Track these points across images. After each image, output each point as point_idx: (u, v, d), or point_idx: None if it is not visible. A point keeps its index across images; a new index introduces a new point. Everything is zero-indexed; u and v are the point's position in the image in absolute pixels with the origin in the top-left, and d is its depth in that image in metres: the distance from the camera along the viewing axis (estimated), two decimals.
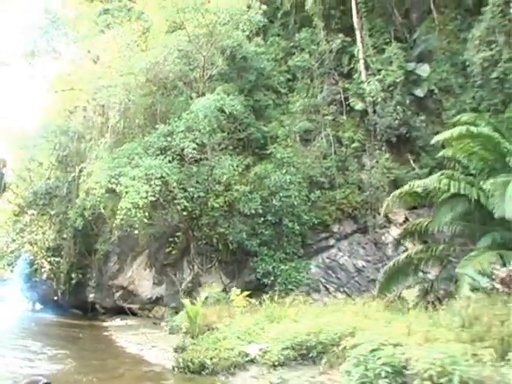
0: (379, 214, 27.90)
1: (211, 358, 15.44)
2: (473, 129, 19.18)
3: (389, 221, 29.69)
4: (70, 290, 35.86)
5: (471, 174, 20.46)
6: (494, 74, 26.34)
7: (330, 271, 29.88)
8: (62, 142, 30.47)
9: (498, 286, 13.75)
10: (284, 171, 27.14)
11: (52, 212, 35.03)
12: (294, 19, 36.65)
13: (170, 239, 28.88)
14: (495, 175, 18.47)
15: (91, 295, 35.45)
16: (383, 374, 10.17)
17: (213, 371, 15.17)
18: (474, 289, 15.03)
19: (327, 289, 29.63)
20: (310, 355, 13.65)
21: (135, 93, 26.84)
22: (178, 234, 28.80)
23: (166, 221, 28.37)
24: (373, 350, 10.88)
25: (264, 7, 30.61)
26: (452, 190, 18.77)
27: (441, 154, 21.78)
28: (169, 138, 25.11)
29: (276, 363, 13.77)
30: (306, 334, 13.96)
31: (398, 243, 25.10)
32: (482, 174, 19.68)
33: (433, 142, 21.35)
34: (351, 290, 28.78)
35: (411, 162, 30.10)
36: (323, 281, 29.75)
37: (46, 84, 31.31)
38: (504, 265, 15.35)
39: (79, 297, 36.60)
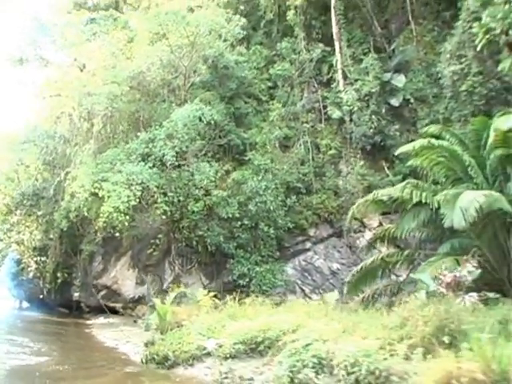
0: (355, 219, 29.06)
1: (174, 351, 17.29)
2: (433, 141, 20.48)
3: (363, 225, 30.92)
4: (55, 288, 36.89)
5: (438, 183, 21.59)
6: (463, 87, 27.41)
7: (306, 273, 31.11)
8: (49, 146, 31.36)
9: (443, 290, 15.00)
10: (260, 178, 28.33)
11: (39, 213, 35.87)
12: (277, 28, 37.80)
13: (152, 241, 30.05)
14: (459, 184, 19.73)
15: (76, 294, 36.46)
16: (310, 364, 12.18)
17: (174, 362, 17.05)
18: (428, 292, 16.28)
19: (303, 290, 30.88)
20: (258, 349, 15.31)
21: (119, 100, 27.84)
22: (160, 236, 29.98)
23: (147, 223, 29.39)
24: (307, 345, 12.83)
25: (243, 20, 31.68)
26: (414, 199, 19.88)
27: (409, 163, 22.85)
28: (150, 145, 26.22)
29: (228, 356, 15.48)
30: (257, 330, 15.67)
31: (369, 247, 25.98)
32: (446, 183, 20.83)
33: (396, 153, 22.57)
34: (326, 291, 29.87)
35: (386, 169, 31.19)
36: (299, 282, 31.00)
37: (34, 89, 32.13)
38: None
39: (65, 295, 37.65)
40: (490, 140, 19.17)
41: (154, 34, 28.45)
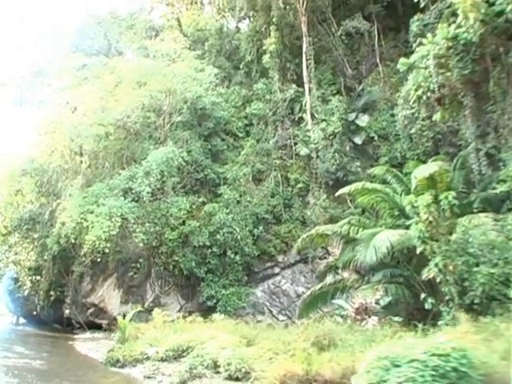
0: (322, 247, 32.27)
1: (124, 356, 22.87)
2: (368, 185, 23.87)
3: (328, 253, 33.94)
4: (48, 306, 40.13)
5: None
6: (413, 130, 30.67)
7: (274, 296, 34.36)
8: (44, 179, 34.82)
9: (352, 314, 18.27)
10: (228, 210, 31.81)
11: (35, 236, 39.17)
12: (256, 68, 41.33)
13: (134, 264, 33.37)
14: (397, 220, 22.81)
15: (67, 311, 39.56)
16: (205, 363, 17.81)
17: (123, 364, 22.68)
18: (342, 316, 19.52)
19: (271, 311, 34.14)
20: (182, 354, 20.58)
21: (105, 140, 31.30)
22: (141, 260, 33.28)
23: (130, 249, 32.66)
24: (208, 351, 18.12)
25: (216, 70, 35.26)
26: (351, 235, 23.10)
27: (358, 201, 25.90)
28: (130, 182, 29.64)
29: (161, 359, 20.96)
30: (185, 341, 20.97)
31: (324, 274, 28.58)
32: (385, 219, 23.94)
33: (336, 194, 25.91)
34: (292, 313, 33.14)
35: (348, 202, 34.22)
36: (268, 304, 34.25)
37: (31, 125, 35.55)
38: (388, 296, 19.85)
39: (57, 312, 40.81)
40: (413, 185, 22.36)
41: (137, 82, 31.87)
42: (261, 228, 33.35)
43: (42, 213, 38.17)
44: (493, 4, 20.48)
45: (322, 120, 35.97)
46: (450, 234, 15.70)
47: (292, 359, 13.82)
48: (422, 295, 16.39)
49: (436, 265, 15.09)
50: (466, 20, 21.11)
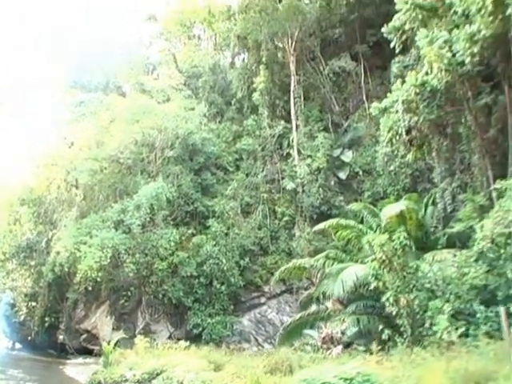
0: (307, 278, 33.62)
1: (105, 378, 24.52)
2: (342, 221, 25.49)
3: (312, 283, 35.11)
4: (43, 331, 41.31)
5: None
6: (392, 167, 32.27)
7: (260, 325, 35.71)
8: (40, 209, 36.45)
9: (319, 343, 19.67)
10: (215, 243, 33.32)
11: (32, 263, 40.56)
12: (247, 105, 43.13)
13: (125, 293, 34.69)
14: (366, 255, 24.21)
15: (61, 337, 40.80)
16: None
17: None
18: (310, 344, 20.90)
19: (257, 340, 35.47)
20: (155, 377, 22.11)
21: (99, 175, 32.98)
22: (132, 288, 34.61)
23: (122, 277, 34.07)
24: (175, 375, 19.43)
25: (205, 109, 37.14)
26: (326, 268, 24.54)
27: (337, 235, 27.35)
28: (122, 215, 31.23)
29: (137, 381, 22.59)
30: (160, 365, 22.48)
31: (306, 304, 29.89)
32: (356, 253, 25.34)
33: (314, 229, 27.43)
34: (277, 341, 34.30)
35: (332, 234, 35.63)
36: (254, 333, 35.60)
37: (31, 158, 37.19)
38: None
39: (51, 338, 42.02)
40: (383, 222, 23.89)
41: (130, 119, 33.64)
42: (247, 259, 34.87)
43: (39, 241, 39.53)
44: (455, 55, 22.14)
45: (308, 156, 37.67)
46: (403, 270, 17.05)
47: (244, 381, 15.29)
48: (380, 326, 17.73)
49: (387, 299, 16.51)
50: (431, 69, 22.88)
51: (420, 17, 26.83)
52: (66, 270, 31.82)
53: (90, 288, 34.14)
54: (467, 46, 21.21)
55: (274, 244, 36.70)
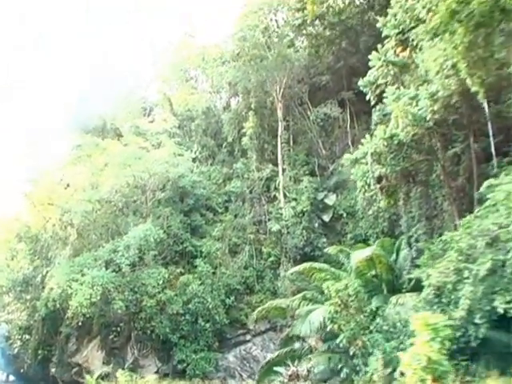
0: (291, 317, 35.02)
1: None
2: (315, 264, 27.22)
3: None
4: (36, 364, 42.61)
5: None
6: (370, 212, 33.88)
7: (245, 361, 37.08)
8: (37, 247, 38.21)
9: (286, 381, 21.18)
10: (200, 282, 34.90)
11: (27, 297, 42.09)
12: (237, 148, 45.02)
13: (114, 328, 36.13)
14: None
15: (53, 369, 42.02)
16: None
17: None
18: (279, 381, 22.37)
19: (241, 376, 36.80)
20: None
21: (92, 216, 34.80)
22: (121, 324, 36.06)
23: (112, 313, 35.51)
24: None
25: (192, 155, 39.12)
26: (302, 308, 26.13)
27: (313, 277, 28.92)
28: (112, 254, 32.91)
29: None
30: None
31: (286, 342, 31.32)
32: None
33: (288, 273, 29.06)
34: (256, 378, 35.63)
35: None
36: (238, 369, 36.97)
37: (28, 199, 39.02)
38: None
39: (44, 371, 43.21)
40: (354, 266, 25.57)
41: (123, 163, 35.56)
42: (232, 298, 36.47)
43: (34, 276, 41.17)
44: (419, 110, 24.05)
45: (293, 199, 39.49)
46: (358, 313, 18.65)
47: None
48: (340, 365, 19.29)
49: (341, 341, 18.11)
50: (398, 123, 24.79)
51: (392, 72, 29.00)
52: (59, 305, 33.26)
53: (82, 323, 35.47)
54: (428, 103, 23.21)
55: (260, 283, 38.25)
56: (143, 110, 50.82)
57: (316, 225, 39.24)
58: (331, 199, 39.89)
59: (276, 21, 48.82)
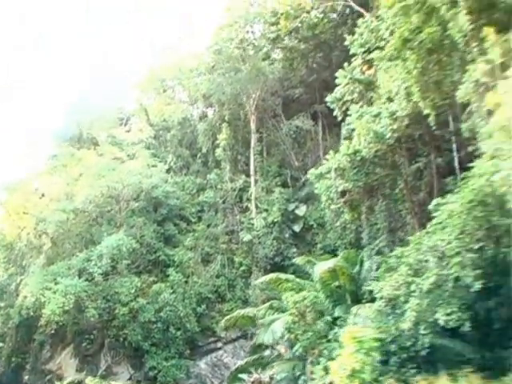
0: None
1: None
2: (281, 275, 27.96)
3: None
4: (10, 371, 42.92)
5: None
6: (337, 223, 34.88)
7: (216, 368, 37.95)
8: (11, 255, 38.76)
9: None
10: (171, 291, 35.71)
11: (1, 304, 42.44)
12: (212, 159, 45.88)
13: (88, 336, 36.78)
14: None
15: (26, 377, 42.45)
16: None
17: None
18: None
19: (213, 382, 37.65)
20: None
21: (66, 225, 35.50)
22: (95, 332, 36.75)
23: (85, 321, 36.19)
24: None
25: (166, 166, 39.96)
26: (266, 318, 26.95)
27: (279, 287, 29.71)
28: (86, 263, 33.66)
29: None
30: None
31: (255, 350, 32.22)
32: None
33: (255, 282, 29.99)
34: None
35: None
36: (210, 376, 37.85)
37: (3, 207, 39.57)
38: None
39: (18, 378, 43.38)
40: (317, 277, 26.46)
41: (96, 174, 36.37)
42: (204, 306, 37.35)
43: (9, 283, 41.61)
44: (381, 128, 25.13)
45: (265, 209, 40.44)
46: (315, 324, 19.62)
47: None
48: (298, 373, 20.23)
49: (297, 350, 19.06)
50: (360, 140, 25.87)
51: (358, 90, 30.11)
52: (33, 313, 33.91)
53: (55, 330, 36.10)
54: (388, 122, 24.28)
55: (231, 292, 39.17)
56: (120, 120, 51.31)
57: (287, 235, 40.17)
58: (302, 210, 40.88)
59: (253, 33, 49.98)
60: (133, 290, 35.17)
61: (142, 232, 37.88)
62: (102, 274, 33.38)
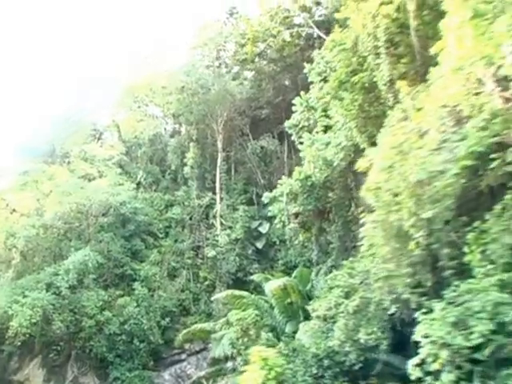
0: None
1: None
2: (236, 292, 29.68)
3: None
4: None
5: None
6: (296, 242, 36.56)
7: (179, 379, 39.48)
8: None
9: None
10: (136, 305, 37.21)
11: None
12: (180, 176, 47.48)
13: (55, 347, 38.04)
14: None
15: None
16: None
17: None
18: None
19: None
20: None
21: (36, 240, 36.90)
22: (62, 343, 38.02)
23: (53, 333, 37.47)
24: None
25: (133, 185, 41.55)
26: (219, 332, 28.51)
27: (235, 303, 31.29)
28: (53, 277, 35.11)
29: None
30: None
31: (214, 361, 33.74)
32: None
33: (212, 298, 31.61)
34: None
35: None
36: None
37: None
38: None
39: None
40: (269, 294, 28.18)
41: (65, 192, 37.87)
42: (168, 319, 38.84)
43: None
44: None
45: (229, 227, 42.14)
46: (257, 340, 21.32)
47: None
48: None
49: (239, 363, 20.74)
50: (310, 166, 27.71)
51: (313, 117, 31.95)
52: (0, 325, 35.12)
53: (24, 342, 37.12)
54: (335, 151, 26.10)
55: (196, 305, 40.83)
56: (92, 135, 52.54)
57: (249, 251, 41.93)
58: (265, 227, 42.60)
59: (225, 50, 51.83)
60: (99, 304, 36.58)
61: (110, 247, 39.36)
62: (68, 288, 34.73)
